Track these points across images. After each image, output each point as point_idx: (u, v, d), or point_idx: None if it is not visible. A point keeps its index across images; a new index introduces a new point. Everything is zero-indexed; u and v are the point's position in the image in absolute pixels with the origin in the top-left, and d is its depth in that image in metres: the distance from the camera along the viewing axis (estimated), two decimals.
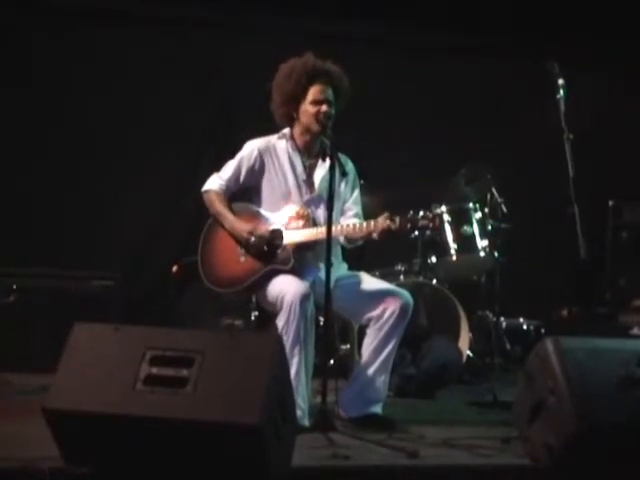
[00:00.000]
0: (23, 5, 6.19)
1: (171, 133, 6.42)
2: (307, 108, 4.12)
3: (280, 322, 3.82)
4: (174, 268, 5.23)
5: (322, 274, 3.85)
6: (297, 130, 4.22)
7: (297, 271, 4.02)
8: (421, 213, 3.85)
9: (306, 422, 3.76)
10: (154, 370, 2.81)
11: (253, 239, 4.06)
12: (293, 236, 4.06)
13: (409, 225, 3.85)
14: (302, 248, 4.06)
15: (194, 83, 6.55)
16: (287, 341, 3.74)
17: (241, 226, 4.11)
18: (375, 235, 3.92)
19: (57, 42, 6.26)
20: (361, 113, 5.09)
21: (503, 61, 7.00)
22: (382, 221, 3.88)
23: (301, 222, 4.07)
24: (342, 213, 4.25)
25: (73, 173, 6.24)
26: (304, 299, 3.79)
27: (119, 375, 2.81)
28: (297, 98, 4.13)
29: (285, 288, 3.88)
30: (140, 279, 6.29)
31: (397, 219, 3.84)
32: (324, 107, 4.08)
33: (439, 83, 6.78)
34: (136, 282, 6.15)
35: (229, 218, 4.16)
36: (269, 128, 4.28)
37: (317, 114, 4.08)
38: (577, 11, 6.64)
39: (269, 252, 4.06)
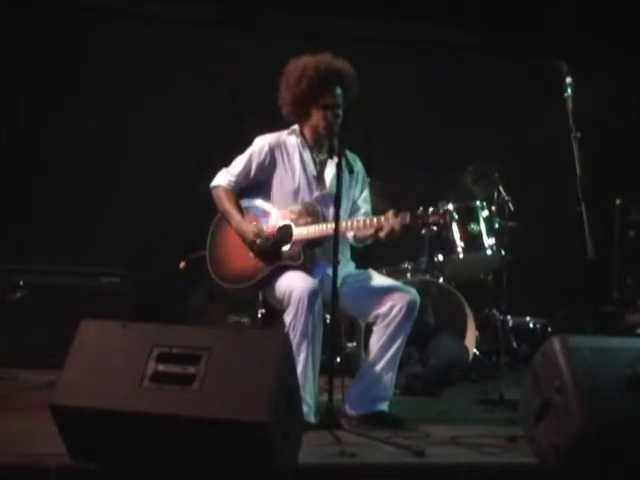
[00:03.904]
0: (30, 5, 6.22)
1: (178, 131, 6.43)
2: (317, 111, 4.12)
3: (288, 317, 3.82)
4: (181, 264, 5.23)
5: (330, 271, 3.85)
6: (306, 128, 4.23)
7: (306, 267, 4.04)
8: (431, 209, 3.85)
9: (312, 418, 3.76)
10: (161, 367, 2.82)
11: (259, 241, 4.07)
12: (303, 232, 4.07)
13: (420, 221, 3.86)
14: (311, 244, 4.07)
15: (200, 82, 6.55)
16: (295, 337, 3.75)
17: (247, 227, 4.12)
18: (382, 234, 3.92)
19: (59, 42, 6.27)
20: (361, 112, 5.08)
21: (504, 60, 6.99)
22: (391, 220, 3.87)
23: (310, 218, 4.08)
24: (351, 212, 4.24)
25: (79, 170, 6.25)
26: (312, 295, 3.78)
27: (126, 372, 2.81)
28: (308, 101, 4.13)
29: (293, 283, 3.88)
30: (147, 276, 6.30)
31: (407, 216, 3.85)
32: (335, 111, 4.09)
33: (441, 82, 6.78)
34: (143, 279, 6.16)
35: (236, 218, 4.16)
36: (277, 125, 4.28)
37: (326, 118, 4.09)
38: (578, 11, 6.63)
39: (274, 253, 4.07)
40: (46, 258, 5.59)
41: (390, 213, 3.89)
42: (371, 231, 3.99)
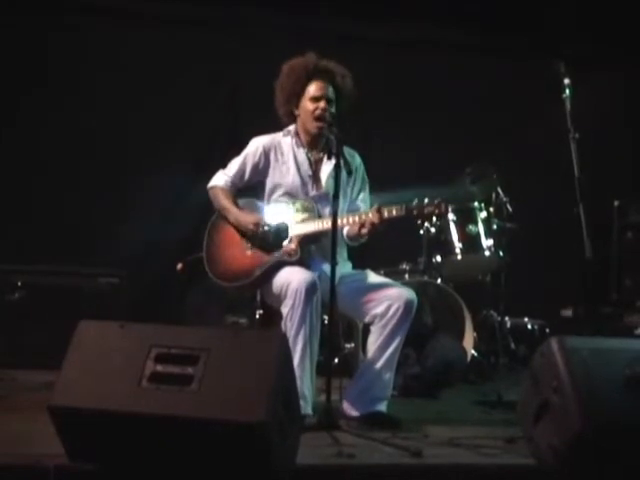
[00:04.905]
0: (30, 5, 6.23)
1: (178, 131, 6.43)
2: (305, 105, 4.15)
3: (285, 308, 3.83)
4: (178, 266, 5.23)
5: (326, 269, 3.86)
6: (300, 127, 4.25)
7: (304, 263, 4.05)
8: (426, 200, 3.86)
9: (309, 410, 3.78)
10: (159, 368, 2.82)
11: (259, 231, 4.08)
12: (299, 228, 4.09)
13: (415, 212, 3.87)
14: (308, 240, 4.08)
15: (199, 81, 6.56)
16: (292, 327, 3.77)
17: (246, 218, 4.14)
18: (364, 230, 3.94)
19: (59, 42, 6.28)
20: (360, 113, 5.08)
21: (504, 60, 6.99)
22: (371, 215, 3.91)
23: (306, 215, 4.09)
24: (349, 212, 4.24)
25: (78, 171, 6.25)
26: (310, 286, 3.79)
27: (124, 372, 2.81)
28: (297, 95, 4.17)
29: (290, 277, 3.90)
30: (146, 276, 6.30)
31: (403, 208, 3.86)
32: (322, 104, 4.10)
33: (441, 82, 6.78)
34: (142, 279, 6.16)
35: (233, 211, 4.19)
36: (275, 125, 4.30)
37: (314, 111, 4.10)
38: (578, 11, 6.63)
39: (275, 244, 4.08)
40: (45, 258, 5.59)
41: (373, 208, 3.91)
42: (356, 228, 4.00)
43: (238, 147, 4.37)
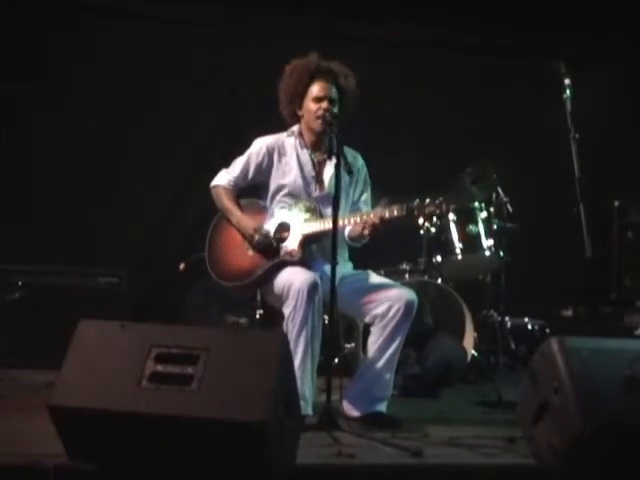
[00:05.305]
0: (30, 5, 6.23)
1: (178, 131, 6.43)
2: (308, 105, 4.15)
3: (287, 309, 3.83)
4: (181, 265, 5.24)
5: (327, 270, 3.86)
6: (304, 127, 4.25)
7: (305, 263, 4.04)
8: (427, 200, 3.85)
9: (310, 411, 3.78)
10: (159, 367, 2.82)
11: (258, 236, 4.08)
12: (301, 229, 4.08)
13: (416, 212, 3.86)
14: (310, 240, 4.08)
15: (199, 81, 6.56)
16: (293, 328, 3.77)
17: (247, 223, 4.14)
18: (365, 231, 3.93)
19: (59, 42, 6.27)
20: (361, 113, 5.10)
21: (504, 60, 6.99)
22: (372, 216, 3.91)
23: (308, 215, 4.09)
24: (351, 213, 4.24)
25: (78, 171, 6.26)
26: (312, 287, 3.79)
27: (124, 372, 2.82)
28: (300, 96, 4.17)
29: (292, 277, 3.90)
30: (146, 276, 6.30)
31: (403, 207, 3.85)
32: (324, 104, 4.10)
33: (440, 82, 6.77)
34: (142, 279, 6.16)
35: (236, 214, 4.19)
36: (275, 125, 4.30)
37: (317, 111, 4.10)
38: (578, 11, 6.63)
39: (274, 249, 4.08)
40: (46, 258, 5.59)
41: (378, 206, 3.91)
42: (358, 229, 3.99)
43: (238, 147, 4.37)
